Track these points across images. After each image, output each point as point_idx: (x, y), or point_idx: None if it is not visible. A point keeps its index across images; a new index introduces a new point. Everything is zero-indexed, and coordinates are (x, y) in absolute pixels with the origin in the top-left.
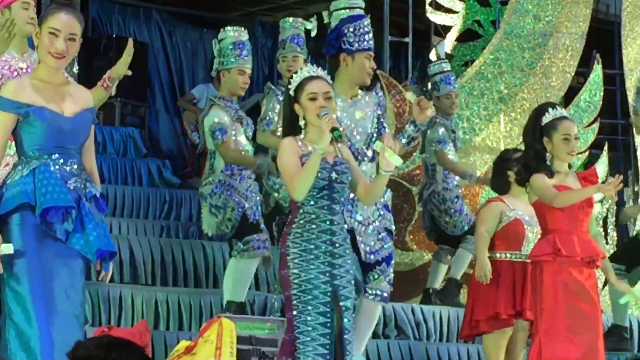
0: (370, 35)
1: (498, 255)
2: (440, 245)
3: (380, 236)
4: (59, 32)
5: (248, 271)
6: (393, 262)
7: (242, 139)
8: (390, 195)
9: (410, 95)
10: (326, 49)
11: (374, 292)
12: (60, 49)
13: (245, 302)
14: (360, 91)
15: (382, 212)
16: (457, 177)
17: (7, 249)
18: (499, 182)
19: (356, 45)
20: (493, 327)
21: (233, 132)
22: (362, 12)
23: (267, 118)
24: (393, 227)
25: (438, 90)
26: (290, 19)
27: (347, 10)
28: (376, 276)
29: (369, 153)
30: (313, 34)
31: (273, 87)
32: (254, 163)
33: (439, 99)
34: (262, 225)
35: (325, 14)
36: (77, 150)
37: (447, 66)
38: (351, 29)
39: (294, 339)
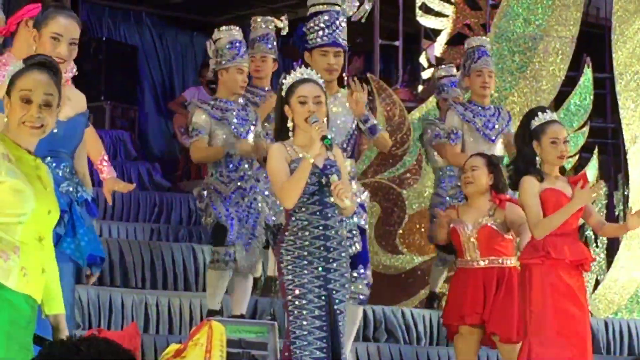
0: (327, 30)
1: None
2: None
3: (350, 234)
4: (61, 37)
5: (215, 282)
6: (370, 264)
7: (228, 137)
8: (367, 196)
9: (344, 93)
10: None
11: (353, 295)
12: (63, 54)
13: (220, 309)
14: (341, 89)
15: (357, 210)
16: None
17: None
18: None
19: (311, 42)
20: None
21: (216, 133)
22: (332, 7)
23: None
24: (367, 227)
25: (447, 92)
26: (260, 17)
27: (319, 7)
28: (353, 279)
29: (349, 149)
30: (284, 32)
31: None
32: (221, 152)
33: (446, 101)
34: (232, 237)
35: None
36: (69, 155)
37: (453, 70)
38: (308, 27)
39: (292, 343)
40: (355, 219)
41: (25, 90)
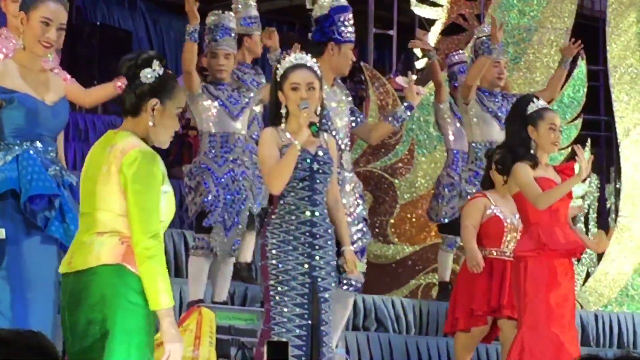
0: (353, 28)
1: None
2: (443, 235)
3: (359, 227)
4: (51, 22)
5: (199, 268)
6: (366, 253)
7: (220, 115)
8: (361, 186)
9: (401, 80)
10: (316, 35)
11: (348, 282)
12: (52, 39)
13: (202, 300)
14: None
15: (359, 201)
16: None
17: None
18: (483, 179)
19: (345, 35)
20: (469, 325)
21: (207, 107)
22: (346, 2)
23: None
24: (367, 216)
25: (456, 80)
26: None
27: (343, 0)
28: None
29: (347, 141)
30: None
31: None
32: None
33: (456, 88)
34: (211, 220)
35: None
36: (54, 138)
37: (464, 57)
38: (341, 19)
39: (270, 329)
40: (361, 210)
41: None
